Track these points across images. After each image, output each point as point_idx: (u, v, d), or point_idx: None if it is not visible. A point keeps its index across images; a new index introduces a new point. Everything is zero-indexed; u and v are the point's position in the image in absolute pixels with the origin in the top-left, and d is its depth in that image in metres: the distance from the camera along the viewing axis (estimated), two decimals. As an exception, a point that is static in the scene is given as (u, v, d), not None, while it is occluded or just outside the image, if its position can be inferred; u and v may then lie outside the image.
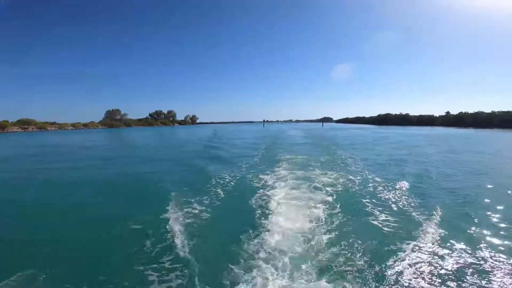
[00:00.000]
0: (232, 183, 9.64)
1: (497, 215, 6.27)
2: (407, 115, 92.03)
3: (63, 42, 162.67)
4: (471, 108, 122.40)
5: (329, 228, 5.57)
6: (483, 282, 3.80)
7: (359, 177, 10.09)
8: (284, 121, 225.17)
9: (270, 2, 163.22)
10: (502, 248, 4.69)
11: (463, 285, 3.74)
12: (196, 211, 6.68)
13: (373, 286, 3.73)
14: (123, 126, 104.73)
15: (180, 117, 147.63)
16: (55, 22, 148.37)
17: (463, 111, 76.51)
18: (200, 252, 4.62)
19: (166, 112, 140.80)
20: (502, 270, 4.05)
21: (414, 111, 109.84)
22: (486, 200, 7.49)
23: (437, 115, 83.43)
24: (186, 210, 6.76)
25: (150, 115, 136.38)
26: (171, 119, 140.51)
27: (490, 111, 71.02)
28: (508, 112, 67.55)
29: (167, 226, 5.69)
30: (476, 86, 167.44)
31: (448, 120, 75.71)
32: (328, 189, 8.52)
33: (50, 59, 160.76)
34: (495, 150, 20.12)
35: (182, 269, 4.15)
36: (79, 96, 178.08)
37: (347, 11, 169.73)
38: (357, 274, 3.94)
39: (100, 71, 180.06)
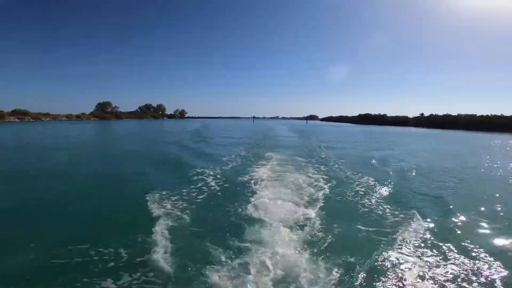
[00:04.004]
0: (219, 178, 9.90)
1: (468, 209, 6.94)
2: (384, 115, 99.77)
3: (58, 36, 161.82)
4: (444, 110, 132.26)
5: (316, 226, 5.68)
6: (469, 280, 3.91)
7: (340, 174, 11.08)
8: (271, 118, 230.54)
9: (260, 3, 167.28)
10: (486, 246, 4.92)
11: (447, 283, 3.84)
12: (180, 208, 6.61)
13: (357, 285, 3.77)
14: (114, 118, 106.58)
15: (169, 111, 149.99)
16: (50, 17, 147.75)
17: (434, 113, 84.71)
18: (182, 252, 4.54)
19: (155, 106, 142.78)
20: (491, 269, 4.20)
21: (391, 112, 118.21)
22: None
23: (411, 116, 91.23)
24: (169, 207, 6.61)
25: (139, 108, 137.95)
26: (160, 112, 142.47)
27: (456, 114, 79.46)
28: (472, 115, 76.10)
29: (149, 223, 5.60)
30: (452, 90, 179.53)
31: (420, 121, 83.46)
32: (313, 184, 9.08)
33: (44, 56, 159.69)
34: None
35: (164, 270, 4.04)
36: (69, 88, 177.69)
37: (337, 12, 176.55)
38: (343, 274, 3.96)
39: (91, 64, 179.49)
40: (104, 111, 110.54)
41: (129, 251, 4.57)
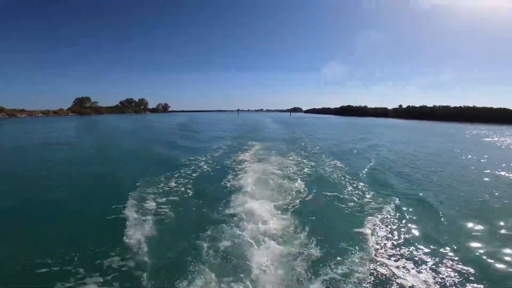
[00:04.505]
0: (200, 171, 9.81)
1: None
2: (365, 107, 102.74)
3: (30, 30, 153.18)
4: (420, 102, 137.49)
5: (296, 216, 5.62)
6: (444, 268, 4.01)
7: (320, 163, 11.27)
8: (255, 110, 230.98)
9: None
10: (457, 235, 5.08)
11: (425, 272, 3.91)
12: (159, 202, 6.50)
13: (336, 274, 3.78)
14: (94, 113, 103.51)
15: (152, 105, 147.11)
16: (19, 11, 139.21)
17: (411, 105, 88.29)
18: (160, 248, 4.47)
19: (137, 100, 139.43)
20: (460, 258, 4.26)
21: (371, 104, 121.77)
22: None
23: (390, 108, 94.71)
24: (148, 202, 6.49)
25: (121, 103, 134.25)
26: (142, 107, 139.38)
27: (432, 106, 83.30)
28: (447, 107, 80.00)
29: (125, 222, 5.42)
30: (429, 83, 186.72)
31: (398, 113, 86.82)
32: (296, 172, 9.18)
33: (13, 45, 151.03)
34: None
35: (140, 268, 3.98)
36: (44, 84, 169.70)
37: (327, 10, 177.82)
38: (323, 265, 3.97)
39: (67, 57, 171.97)
40: (82, 106, 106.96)
41: (120, 246, 4.62)
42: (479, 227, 5.51)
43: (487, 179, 9.35)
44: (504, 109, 62.01)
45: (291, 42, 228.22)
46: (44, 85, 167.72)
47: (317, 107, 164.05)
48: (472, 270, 4.00)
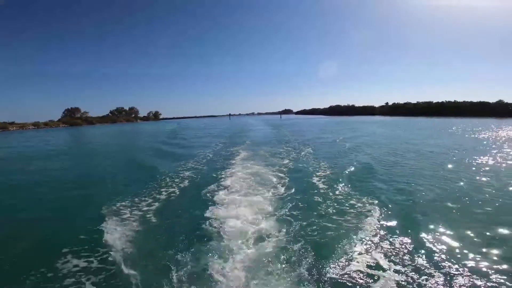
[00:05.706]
0: (187, 177, 9.60)
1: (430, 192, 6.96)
2: (353, 106, 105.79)
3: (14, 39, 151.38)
4: (405, 99, 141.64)
5: (280, 220, 5.49)
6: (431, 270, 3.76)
7: (305, 163, 11.33)
8: (247, 114, 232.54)
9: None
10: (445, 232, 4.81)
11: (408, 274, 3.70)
12: (140, 213, 6.29)
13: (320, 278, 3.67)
14: (85, 124, 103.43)
15: (142, 113, 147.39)
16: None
17: (396, 102, 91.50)
18: (140, 259, 4.33)
19: (128, 109, 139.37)
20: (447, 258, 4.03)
21: (359, 102, 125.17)
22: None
23: (377, 106, 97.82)
24: (129, 212, 6.32)
25: (111, 112, 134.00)
26: (133, 115, 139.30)
27: (415, 102, 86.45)
28: (429, 102, 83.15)
29: (105, 235, 5.20)
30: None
31: (385, 110, 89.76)
32: (281, 176, 9.09)
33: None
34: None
35: (119, 275, 3.91)
36: (31, 96, 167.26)
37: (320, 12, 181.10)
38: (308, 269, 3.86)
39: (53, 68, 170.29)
40: (72, 117, 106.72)
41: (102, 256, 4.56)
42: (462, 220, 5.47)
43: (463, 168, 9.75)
44: (482, 102, 65.13)
45: (280, 45, 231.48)
46: (30, 97, 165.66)
47: (307, 108, 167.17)
48: (457, 266, 3.91)
